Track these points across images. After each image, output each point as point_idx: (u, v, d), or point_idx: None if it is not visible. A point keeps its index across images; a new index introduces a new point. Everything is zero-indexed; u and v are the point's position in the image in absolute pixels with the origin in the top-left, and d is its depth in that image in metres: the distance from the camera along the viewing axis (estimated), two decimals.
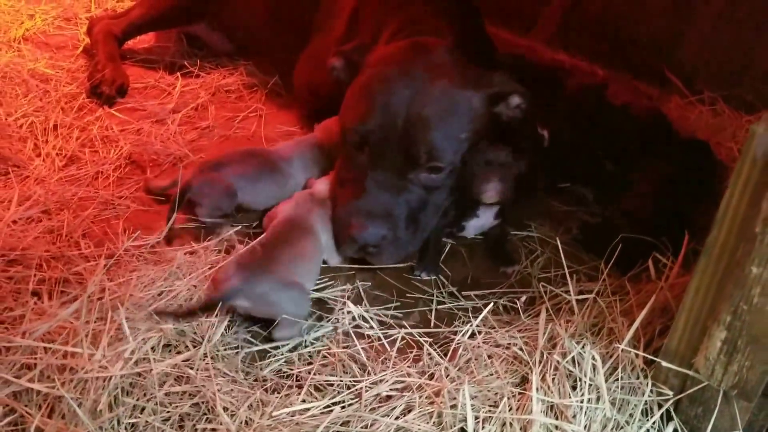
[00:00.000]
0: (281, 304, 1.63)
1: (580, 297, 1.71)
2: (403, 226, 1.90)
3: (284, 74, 2.67)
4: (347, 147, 1.95)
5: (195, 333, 1.61)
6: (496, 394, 1.50)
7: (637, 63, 2.84)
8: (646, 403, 1.48)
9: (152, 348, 1.50)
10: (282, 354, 1.64)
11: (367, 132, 1.88)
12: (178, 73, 2.75)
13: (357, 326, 1.74)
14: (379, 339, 1.70)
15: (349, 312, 1.76)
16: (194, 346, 1.59)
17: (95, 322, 1.55)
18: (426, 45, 2.00)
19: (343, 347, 1.66)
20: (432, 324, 1.77)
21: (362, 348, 1.65)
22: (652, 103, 2.47)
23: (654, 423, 1.45)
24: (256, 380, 1.58)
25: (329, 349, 1.66)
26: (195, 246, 1.84)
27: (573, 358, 1.53)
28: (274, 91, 2.72)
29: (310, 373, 1.57)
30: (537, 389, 1.47)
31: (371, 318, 1.75)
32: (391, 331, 1.72)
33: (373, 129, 1.87)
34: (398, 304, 1.84)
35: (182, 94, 2.65)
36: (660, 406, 1.46)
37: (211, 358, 1.56)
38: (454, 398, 1.47)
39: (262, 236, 1.82)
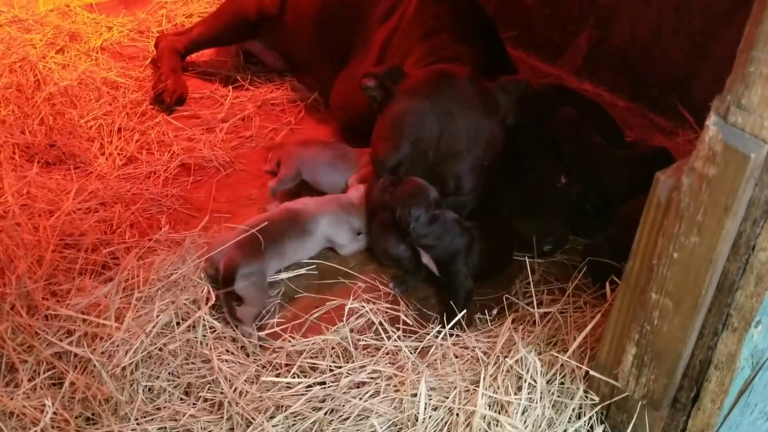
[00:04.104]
0: (255, 290, 1.97)
1: (544, 311, 1.94)
2: None
3: (324, 92, 2.96)
4: (380, 172, 2.17)
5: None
6: (453, 387, 1.75)
7: (654, 97, 3.02)
8: (581, 407, 1.69)
9: (166, 324, 1.82)
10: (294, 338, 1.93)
11: (399, 162, 2.12)
12: (230, 86, 3.08)
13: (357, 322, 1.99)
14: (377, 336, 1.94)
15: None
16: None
17: (123, 300, 1.87)
18: (451, 75, 2.21)
19: (341, 338, 1.94)
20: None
21: (355, 340, 1.92)
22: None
23: (583, 424, 1.66)
24: (258, 359, 1.87)
25: (327, 337, 1.94)
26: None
27: (524, 363, 1.76)
28: (313, 106, 3.01)
29: (300, 354, 1.86)
30: (486, 387, 1.71)
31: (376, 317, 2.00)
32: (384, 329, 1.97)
33: (404, 160, 2.11)
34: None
35: (232, 105, 2.97)
36: (591, 410, 1.68)
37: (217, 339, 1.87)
38: (416, 388, 1.73)
39: (260, 218, 2.13)
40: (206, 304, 1.89)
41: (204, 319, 1.85)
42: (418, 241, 2.04)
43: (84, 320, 1.80)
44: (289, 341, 1.92)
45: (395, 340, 1.91)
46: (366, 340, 1.93)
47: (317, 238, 2.18)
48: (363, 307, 2.02)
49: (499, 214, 2.23)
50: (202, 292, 1.92)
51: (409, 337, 1.96)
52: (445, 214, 2.04)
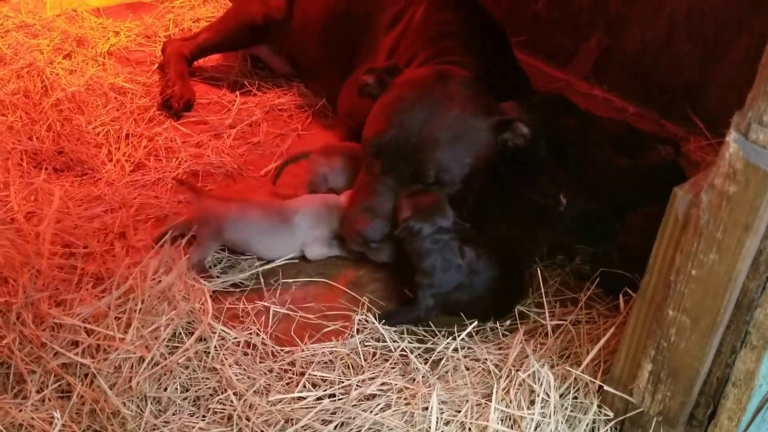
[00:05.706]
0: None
1: (556, 322, 1.92)
2: None
3: (332, 97, 2.95)
4: (366, 156, 2.20)
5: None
6: (465, 401, 1.72)
7: (666, 103, 2.99)
8: (595, 423, 1.67)
9: (172, 335, 1.80)
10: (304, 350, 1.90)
11: (382, 144, 2.13)
12: (238, 92, 3.06)
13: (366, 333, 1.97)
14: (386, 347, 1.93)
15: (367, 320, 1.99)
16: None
17: (125, 310, 1.85)
18: (448, 74, 2.22)
19: (350, 349, 1.92)
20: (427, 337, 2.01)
21: (363, 351, 1.91)
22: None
23: None
24: (266, 371, 1.85)
25: (335, 348, 1.92)
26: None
27: (537, 376, 1.74)
28: (321, 112, 2.99)
29: (309, 365, 1.84)
30: (498, 400, 1.69)
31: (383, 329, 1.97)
32: (393, 340, 1.95)
33: (388, 142, 2.12)
34: None
35: (240, 110, 2.95)
36: (605, 425, 1.66)
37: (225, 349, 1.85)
38: (427, 401, 1.71)
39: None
40: (207, 315, 1.88)
41: (211, 328, 1.84)
42: (413, 247, 2.00)
43: (90, 331, 1.79)
44: (299, 352, 1.90)
45: (404, 351, 1.90)
46: (375, 352, 1.91)
47: (300, 232, 2.19)
48: (370, 317, 2.00)
49: (502, 241, 2.17)
50: (201, 301, 1.91)
51: (419, 348, 1.94)
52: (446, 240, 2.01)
